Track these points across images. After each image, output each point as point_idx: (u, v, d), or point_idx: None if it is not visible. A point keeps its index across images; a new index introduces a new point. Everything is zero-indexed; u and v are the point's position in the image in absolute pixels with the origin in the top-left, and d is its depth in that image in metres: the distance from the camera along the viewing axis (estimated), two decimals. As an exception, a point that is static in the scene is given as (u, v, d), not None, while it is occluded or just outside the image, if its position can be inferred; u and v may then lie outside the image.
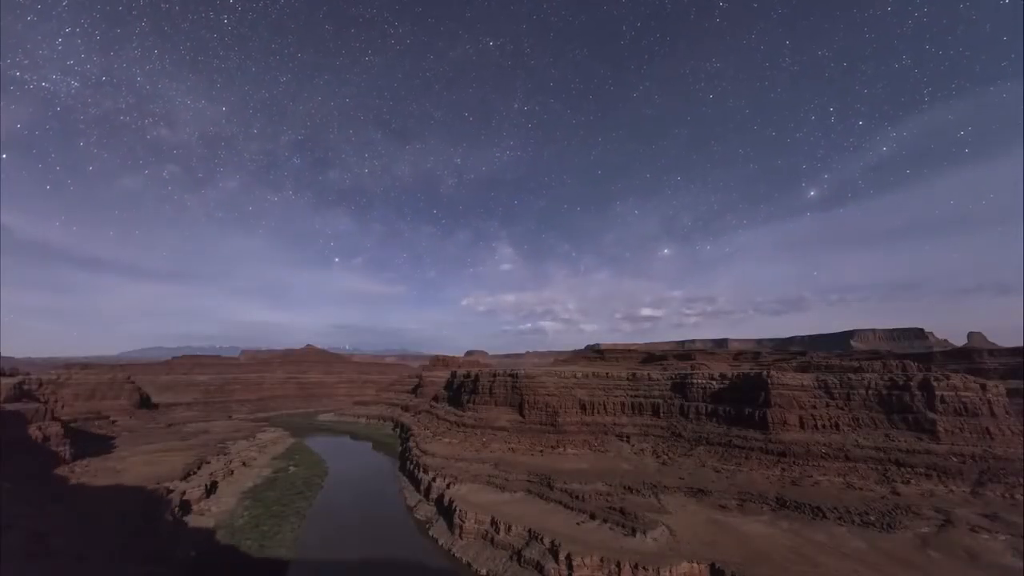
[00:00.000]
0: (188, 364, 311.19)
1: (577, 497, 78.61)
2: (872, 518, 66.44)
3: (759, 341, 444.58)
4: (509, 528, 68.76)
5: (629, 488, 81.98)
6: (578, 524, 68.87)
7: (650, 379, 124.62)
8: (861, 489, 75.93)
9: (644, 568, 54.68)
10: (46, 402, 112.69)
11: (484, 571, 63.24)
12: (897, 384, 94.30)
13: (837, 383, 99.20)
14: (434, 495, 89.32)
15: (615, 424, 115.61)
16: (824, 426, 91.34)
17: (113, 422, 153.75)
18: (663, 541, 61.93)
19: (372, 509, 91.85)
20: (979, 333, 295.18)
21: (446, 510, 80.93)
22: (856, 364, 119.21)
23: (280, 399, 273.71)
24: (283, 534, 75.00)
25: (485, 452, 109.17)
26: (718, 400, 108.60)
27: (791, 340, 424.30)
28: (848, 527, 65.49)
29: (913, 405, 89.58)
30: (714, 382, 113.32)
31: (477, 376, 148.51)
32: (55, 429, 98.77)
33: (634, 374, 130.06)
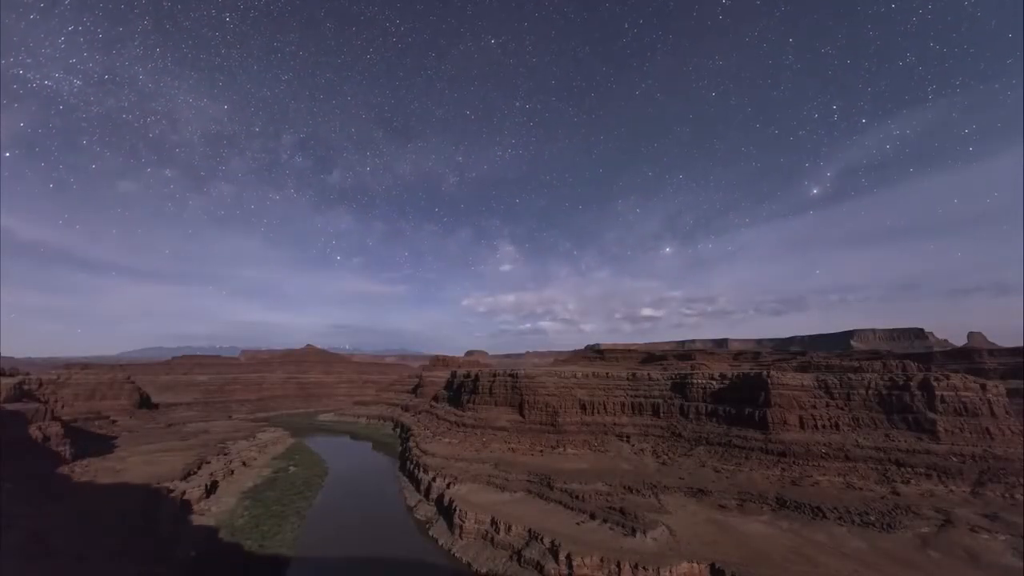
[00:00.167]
0: (188, 364, 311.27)
1: (577, 497, 78.60)
2: (872, 518, 66.44)
3: (759, 341, 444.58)
4: (509, 528, 68.76)
5: (629, 488, 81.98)
6: (578, 524, 68.86)
7: (650, 379, 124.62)
8: (861, 489, 75.92)
9: (644, 568, 54.67)
10: (46, 402, 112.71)
11: (484, 571, 63.21)
12: (897, 384, 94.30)
13: (837, 383, 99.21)
14: (434, 495, 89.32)
15: (615, 424, 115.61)
16: (824, 426, 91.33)
17: (113, 422, 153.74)
18: (663, 541, 61.93)
19: (372, 509, 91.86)
20: (979, 333, 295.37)
21: (446, 510, 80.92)
22: (856, 364, 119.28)
23: (280, 399, 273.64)
24: (283, 534, 75.00)
25: (485, 452, 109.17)
26: (718, 400, 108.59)
27: (791, 340, 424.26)
28: (848, 527, 65.48)
29: (913, 405, 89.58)
30: (714, 382, 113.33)
31: (477, 376, 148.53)
32: (55, 429, 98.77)
33: (634, 374, 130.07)
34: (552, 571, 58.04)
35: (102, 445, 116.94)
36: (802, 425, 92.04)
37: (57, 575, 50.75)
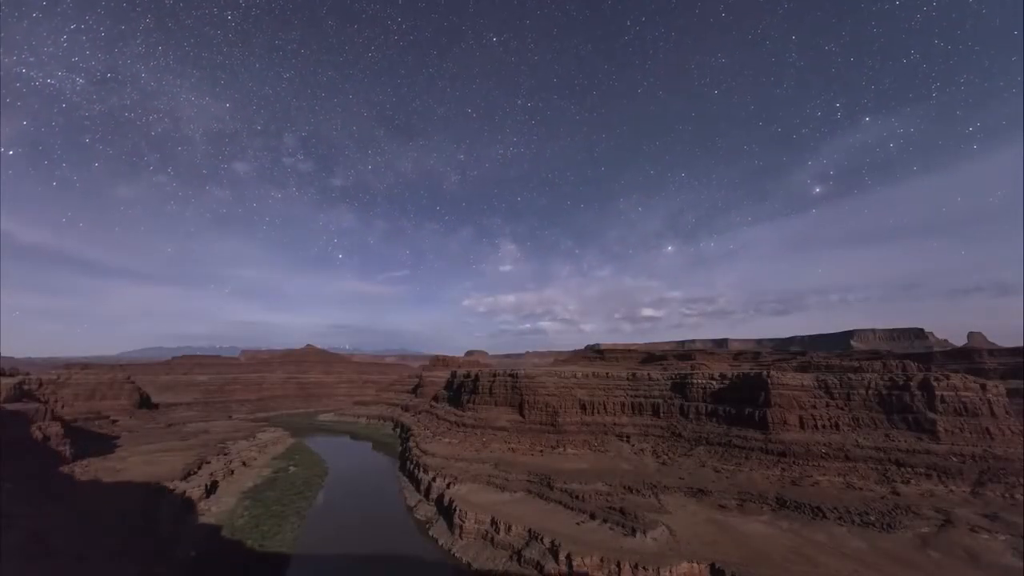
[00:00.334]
0: (188, 364, 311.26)
1: (577, 497, 78.60)
2: (872, 518, 66.44)
3: (759, 341, 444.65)
4: (509, 528, 68.76)
5: (629, 488, 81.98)
6: (578, 524, 68.85)
7: (650, 379, 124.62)
8: (861, 489, 75.91)
9: (644, 568, 54.66)
10: (46, 402, 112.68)
11: (484, 571, 63.20)
12: (897, 384, 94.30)
13: (837, 383, 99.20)
14: (434, 495, 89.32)
15: (615, 424, 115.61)
16: (824, 426, 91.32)
17: (113, 422, 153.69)
18: (663, 541, 61.92)
19: (372, 509, 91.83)
20: (979, 333, 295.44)
21: (446, 510, 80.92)
22: (856, 364, 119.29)
23: (280, 399, 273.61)
24: (283, 534, 74.99)
25: (485, 452, 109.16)
26: (718, 400, 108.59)
27: (791, 340, 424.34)
28: (848, 527, 65.48)
29: (913, 405, 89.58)
30: (714, 382, 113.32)
31: (477, 376, 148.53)
32: (55, 429, 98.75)
33: (634, 374, 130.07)
34: (552, 571, 58.07)
35: (102, 445, 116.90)
36: (802, 425, 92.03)
37: (57, 575, 50.75)
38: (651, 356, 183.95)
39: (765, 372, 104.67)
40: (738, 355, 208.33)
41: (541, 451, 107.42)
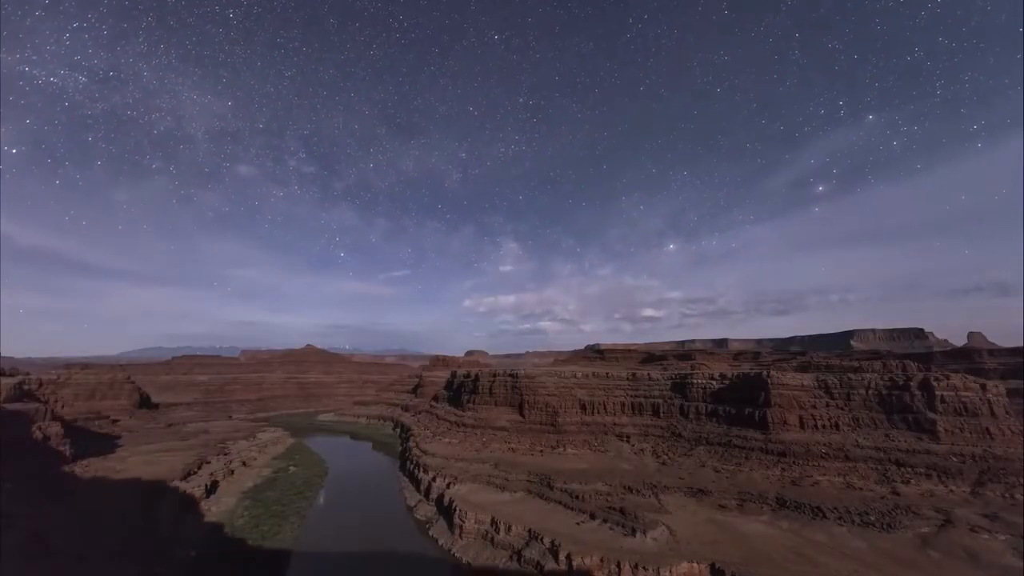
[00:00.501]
0: (188, 364, 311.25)
1: (577, 497, 78.61)
2: (872, 518, 66.44)
3: (759, 341, 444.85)
4: (509, 528, 68.76)
5: (629, 488, 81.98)
6: (578, 524, 68.86)
7: (650, 379, 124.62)
8: (861, 489, 75.91)
9: (644, 568, 54.66)
10: (46, 402, 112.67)
11: (484, 571, 63.21)
12: (897, 384, 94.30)
13: (837, 383, 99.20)
14: (434, 495, 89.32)
15: (615, 424, 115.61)
16: (824, 426, 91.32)
17: (114, 422, 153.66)
18: (663, 541, 61.93)
19: (372, 509, 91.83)
20: (979, 333, 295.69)
21: (446, 510, 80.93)
22: (856, 364, 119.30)
23: (280, 399, 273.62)
24: (283, 534, 74.99)
25: (485, 452, 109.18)
26: (718, 400, 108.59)
27: (791, 340, 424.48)
28: (848, 527, 65.48)
29: (913, 405, 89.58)
30: (714, 382, 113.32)
31: (477, 376, 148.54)
32: (55, 429, 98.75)
33: (634, 374, 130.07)
34: (552, 570, 58.05)
35: (102, 445, 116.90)
36: (802, 425, 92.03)
37: (57, 575, 50.76)
38: (651, 356, 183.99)
39: (765, 372, 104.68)
40: (738, 355, 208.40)
41: (541, 451, 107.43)
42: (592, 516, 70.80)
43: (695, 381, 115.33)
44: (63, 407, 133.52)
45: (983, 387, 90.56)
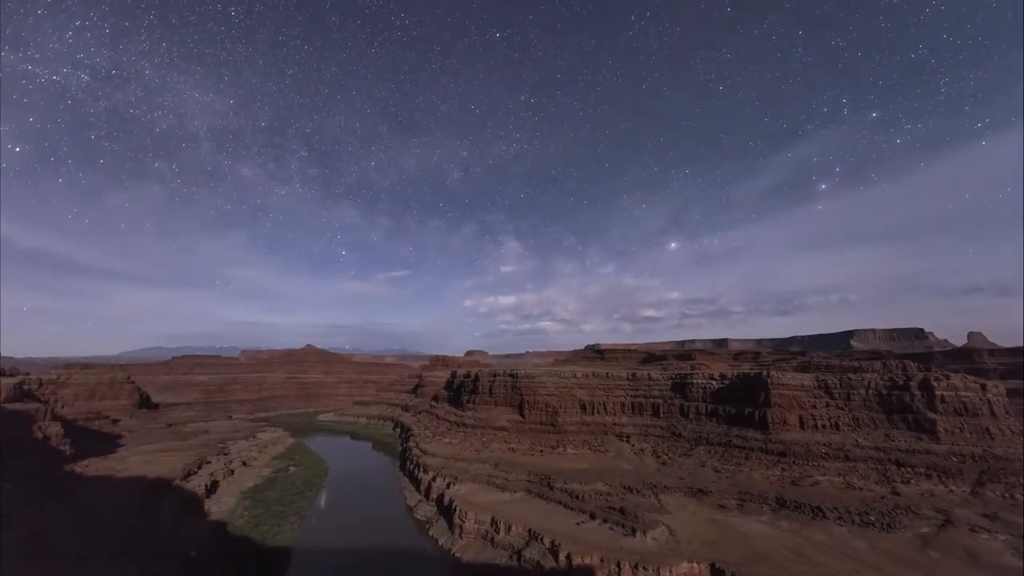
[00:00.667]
0: (188, 364, 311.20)
1: (577, 497, 78.61)
2: (872, 518, 66.43)
3: (759, 341, 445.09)
4: (509, 528, 68.75)
5: (629, 488, 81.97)
6: (578, 524, 68.86)
7: (650, 379, 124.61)
8: (861, 489, 75.91)
9: (644, 568, 54.65)
10: (46, 402, 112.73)
11: (484, 571, 63.20)
12: (897, 384, 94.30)
13: (837, 383, 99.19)
14: (434, 495, 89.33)
15: (615, 424, 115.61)
16: (824, 426, 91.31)
17: (114, 422, 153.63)
18: (663, 541, 61.92)
19: (372, 509, 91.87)
20: (979, 333, 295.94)
21: (446, 510, 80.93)
22: (856, 364, 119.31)
23: (280, 399, 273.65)
24: (283, 534, 75.01)
25: (485, 452, 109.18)
26: (718, 400, 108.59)
27: (791, 340, 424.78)
28: (848, 527, 65.48)
29: (913, 405, 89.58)
30: (714, 382, 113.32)
31: (477, 376, 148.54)
32: (55, 429, 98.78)
33: (634, 374, 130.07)
34: (552, 570, 58.04)
35: (102, 445, 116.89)
36: (802, 425, 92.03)
37: (57, 575, 50.75)
38: (651, 356, 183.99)
39: (765, 372, 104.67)
40: (738, 355, 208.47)
41: (541, 451, 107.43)
42: (592, 516, 70.80)
43: (695, 381, 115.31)
44: (63, 407, 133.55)
45: (983, 387, 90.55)
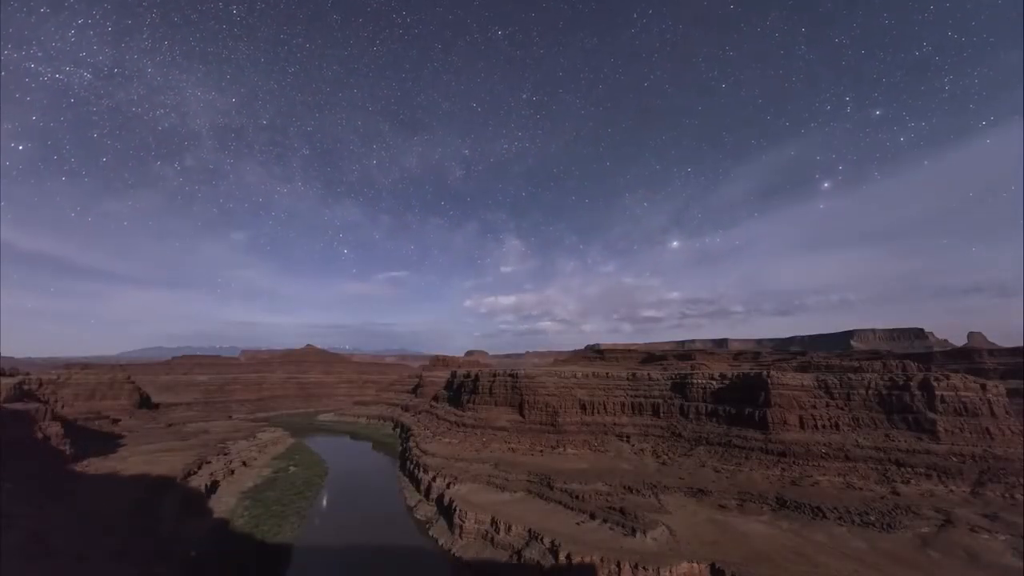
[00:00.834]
0: (188, 364, 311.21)
1: (577, 497, 78.63)
2: (872, 518, 66.45)
3: (759, 341, 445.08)
4: (509, 528, 68.77)
5: (629, 488, 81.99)
6: (578, 524, 68.88)
7: (650, 379, 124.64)
8: (861, 489, 75.93)
9: (644, 568, 54.66)
10: (47, 402, 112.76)
11: (484, 571, 63.20)
12: (897, 384, 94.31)
13: (837, 383, 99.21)
14: (434, 495, 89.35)
15: (615, 424, 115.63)
16: (824, 426, 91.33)
17: (114, 422, 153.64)
18: (663, 541, 61.94)
19: (372, 509, 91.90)
20: (979, 333, 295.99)
21: (446, 510, 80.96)
22: (856, 364, 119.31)
23: (280, 399, 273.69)
24: (283, 534, 75.06)
25: (485, 452, 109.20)
26: (718, 400, 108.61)
27: (791, 340, 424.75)
28: (848, 527, 65.50)
29: (913, 405, 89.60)
30: (714, 382, 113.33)
31: (477, 376, 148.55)
32: (55, 429, 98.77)
33: (634, 374, 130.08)
34: (552, 570, 58.05)
35: (102, 445, 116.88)
36: (802, 425, 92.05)
37: (57, 575, 50.76)
38: (651, 356, 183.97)
39: (765, 372, 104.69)
40: (738, 355, 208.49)
41: (541, 451, 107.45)
42: (592, 516, 70.81)
43: (695, 381, 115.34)
44: (63, 407, 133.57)
45: (983, 387, 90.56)
